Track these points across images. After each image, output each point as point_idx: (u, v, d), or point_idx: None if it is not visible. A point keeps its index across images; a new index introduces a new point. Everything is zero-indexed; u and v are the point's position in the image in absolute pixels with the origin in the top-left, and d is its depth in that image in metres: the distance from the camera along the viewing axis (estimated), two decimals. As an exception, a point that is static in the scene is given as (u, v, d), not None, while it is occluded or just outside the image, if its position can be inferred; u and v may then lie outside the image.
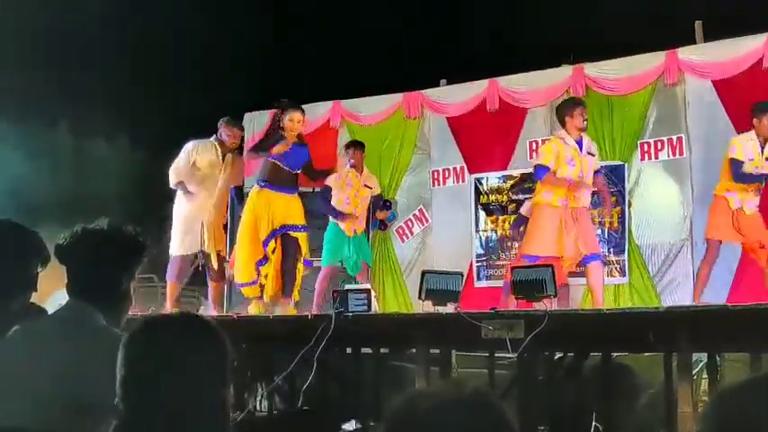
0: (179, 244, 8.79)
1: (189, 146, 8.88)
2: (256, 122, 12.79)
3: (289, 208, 8.27)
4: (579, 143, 8.11)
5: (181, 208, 8.81)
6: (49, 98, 20.86)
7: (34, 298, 3.33)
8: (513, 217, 11.13)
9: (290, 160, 8.30)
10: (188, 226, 8.73)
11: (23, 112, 21.00)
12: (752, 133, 8.26)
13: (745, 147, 8.23)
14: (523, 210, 10.01)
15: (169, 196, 9.07)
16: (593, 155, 8.29)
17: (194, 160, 8.78)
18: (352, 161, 9.77)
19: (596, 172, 8.35)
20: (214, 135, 8.97)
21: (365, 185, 9.86)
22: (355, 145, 10.00)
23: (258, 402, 8.32)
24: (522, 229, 9.98)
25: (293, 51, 20.95)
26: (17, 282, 3.21)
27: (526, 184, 11.08)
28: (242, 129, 9.29)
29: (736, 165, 8.18)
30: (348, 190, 9.52)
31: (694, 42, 10.37)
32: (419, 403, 1.59)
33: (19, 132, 22.04)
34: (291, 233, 8.26)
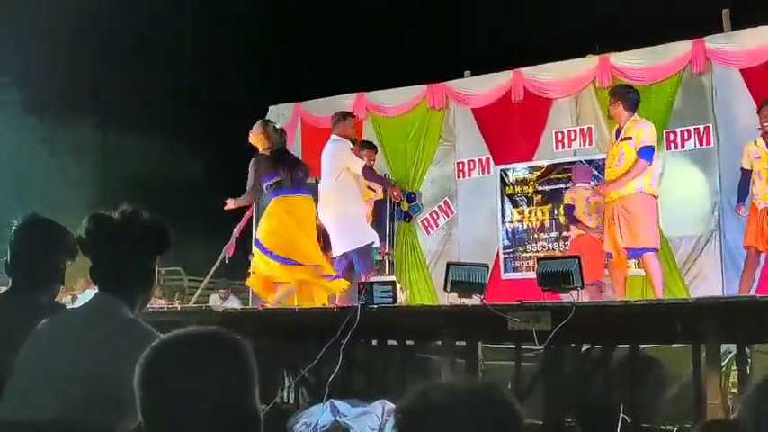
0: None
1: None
2: (281, 116, 12.80)
3: None
4: (618, 131, 7.98)
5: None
6: (74, 95, 21.04)
7: (63, 292, 3.35)
8: (539, 208, 11.13)
9: None
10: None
11: (50, 108, 21.20)
12: None
13: None
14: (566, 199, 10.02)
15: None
16: (629, 138, 7.85)
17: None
18: (372, 162, 9.73)
19: (641, 151, 7.79)
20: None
21: (368, 188, 9.76)
22: (368, 146, 9.95)
23: (285, 394, 8.34)
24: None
25: (315, 45, 20.98)
26: (45, 275, 3.24)
27: (552, 175, 11.05)
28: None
29: None
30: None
31: (721, 31, 10.28)
32: (430, 396, 1.60)
33: (47, 127, 22.25)
34: None
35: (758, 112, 8.28)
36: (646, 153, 7.74)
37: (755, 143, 8.26)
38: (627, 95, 8.00)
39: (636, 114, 7.96)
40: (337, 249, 8.63)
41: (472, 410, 1.58)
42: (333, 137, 8.77)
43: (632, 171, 7.73)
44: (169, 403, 1.81)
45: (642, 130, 7.82)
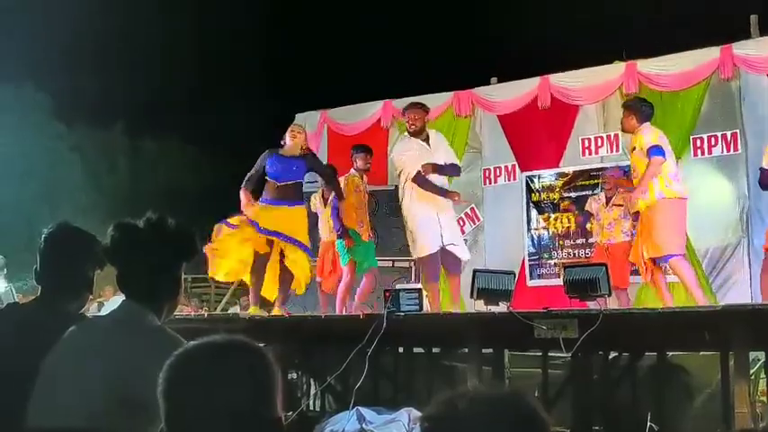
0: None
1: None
2: (308, 123, 12.85)
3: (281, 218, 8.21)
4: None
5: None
6: (102, 102, 21.21)
7: (90, 300, 3.37)
8: (565, 215, 11.09)
9: (275, 173, 8.29)
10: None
11: (79, 114, 21.38)
12: None
13: None
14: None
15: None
16: (635, 148, 7.81)
17: None
18: (368, 165, 9.49)
19: (649, 151, 7.63)
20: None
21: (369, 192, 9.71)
22: (361, 149, 9.60)
23: (311, 401, 8.35)
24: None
25: (343, 52, 21.01)
26: (73, 283, 3.26)
27: (578, 181, 11.01)
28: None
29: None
30: (358, 195, 9.28)
31: (749, 37, 10.21)
32: (456, 404, 1.60)
33: (75, 134, 22.42)
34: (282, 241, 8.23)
35: None
36: (654, 151, 7.59)
37: None
38: (640, 109, 7.92)
39: (645, 124, 7.88)
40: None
41: (499, 418, 1.57)
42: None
43: (647, 173, 7.57)
44: (192, 411, 1.82)
45: (643, 136, 7.73)
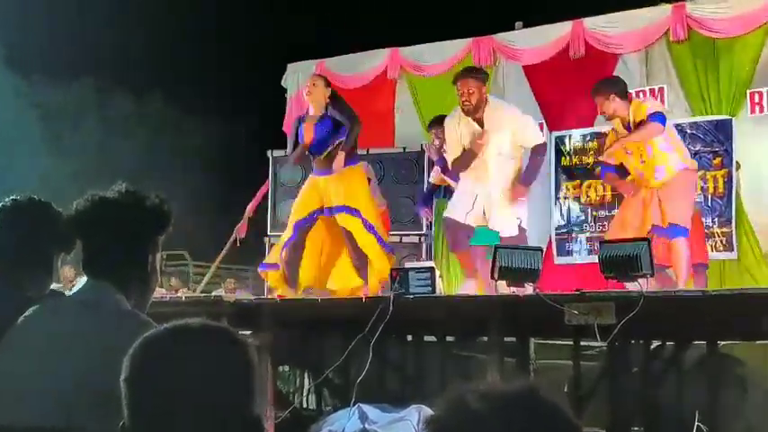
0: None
1: None
2: (302, 73, 12.83)
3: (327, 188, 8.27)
4: (628, 125, 8.15)
5: None
6: (68, 52, 21.19)
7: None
8: (600, 182, 10.99)
9: (310, 148, 8.33)
10: None
11: (39, 66, 21.36)
12: None
13: None
14: None
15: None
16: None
17: None
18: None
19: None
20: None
21: None
22: None
23: (305, 398, 8.39)
24: None
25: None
26: (31, 263, 3.25)
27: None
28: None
29: None
30: None
31: (817, -26, 10.16)
32: (467, 403, 1.60)
33: (37, 90, 22.41)
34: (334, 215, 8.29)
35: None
36: (657, 117, 7.77)
37: None
38: (617, 84, 8.14)
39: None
40: None
41: (517, 420, 1.57)
42: None
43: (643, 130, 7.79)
44: (155, 402, 1.84)
45: (642, 103, 8.03)
